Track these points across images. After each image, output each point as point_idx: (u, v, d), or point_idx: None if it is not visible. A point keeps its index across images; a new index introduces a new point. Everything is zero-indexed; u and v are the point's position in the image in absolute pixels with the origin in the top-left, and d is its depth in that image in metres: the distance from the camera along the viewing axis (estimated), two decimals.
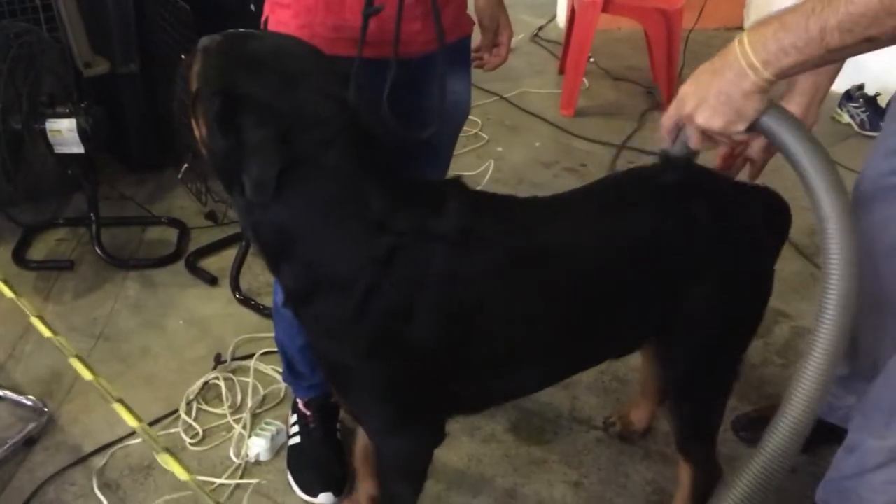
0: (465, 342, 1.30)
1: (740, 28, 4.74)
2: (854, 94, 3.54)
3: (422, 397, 1.37)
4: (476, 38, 1.75)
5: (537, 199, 1.42)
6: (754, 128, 1.12)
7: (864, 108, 3.52)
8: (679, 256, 1.37)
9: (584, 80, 3.82)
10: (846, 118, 3.57)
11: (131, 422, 1.47)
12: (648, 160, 3.28)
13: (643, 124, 3.59)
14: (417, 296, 1.25)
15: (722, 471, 1.62)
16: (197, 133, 1.28)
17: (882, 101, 3.53)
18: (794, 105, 1.44)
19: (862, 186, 1.61)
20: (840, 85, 3.58)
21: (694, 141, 1.19)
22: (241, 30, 1.30)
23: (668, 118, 1.22)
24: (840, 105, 3.60)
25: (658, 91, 3.78)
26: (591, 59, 4.03)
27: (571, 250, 1.34)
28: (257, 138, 1.18)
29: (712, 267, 1.38)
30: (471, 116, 3.37)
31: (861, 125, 3.51)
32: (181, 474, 1.42)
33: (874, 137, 3.43)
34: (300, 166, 1.20)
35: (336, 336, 1.30)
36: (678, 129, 1.23)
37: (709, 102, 1.11)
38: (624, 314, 1.41)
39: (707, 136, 1.17)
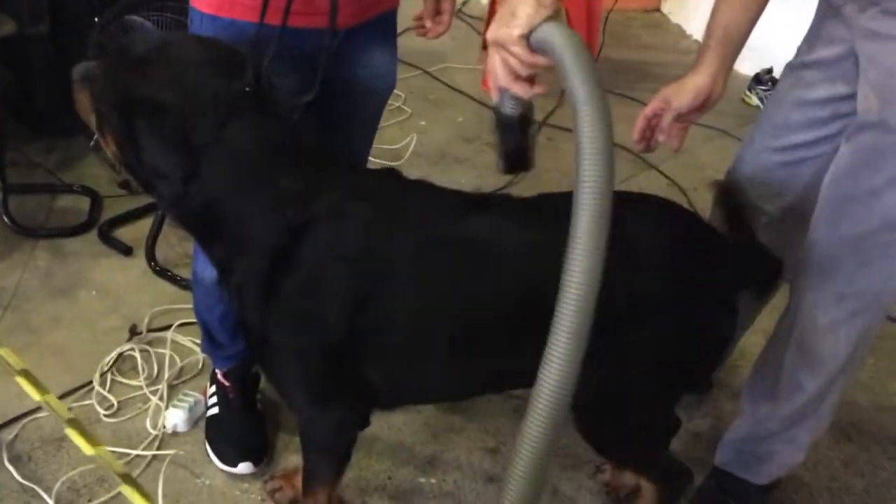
0: (372, 327, 1.31)
1: (658, 10, 4.85)
2: (763, 78, 3.69)
3: (336, 379, 1.38)
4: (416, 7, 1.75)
5: (471, 194, 1.43)
6: (535, 45, 1.10)
7: (770, 91, 3.66)
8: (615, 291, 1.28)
9: None
10: (755, 101, 3.71)
11: (35, 395, 1.44)
12: (568, 137, 3.34)
13: (563, 102, 3.65)
14: (325, 271, 1.27)
15: (691, 474, 1.63)
16: (110, 153, 1.32)
17: None
18: (702, 76, 1.45)
19: (743, 162, 1.64)
20: (749, 68, 3.72)
21: (501, 76, 1.16)
22: (120, 43, 1.31)
23: (491, 66, 1.19)
24: (749, 88, 3.74)
25: None
26: None
27: (492, 251, 1.29)
28: (155, 136, 1.22)
29: (650, 313, 1.31)
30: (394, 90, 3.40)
31: None
32: (86, 449, 1.40)
33: None
34: (204, 152, 1.22)
35: (253, 307, 1.33)
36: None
37: (521, 10, 1.09)
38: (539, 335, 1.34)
39: (511, 69, 1.15)
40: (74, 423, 1.41)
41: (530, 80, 1.17)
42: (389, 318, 1.31)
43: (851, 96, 1.42)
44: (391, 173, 1.39)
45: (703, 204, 2.93)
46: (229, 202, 1.26)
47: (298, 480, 1.70)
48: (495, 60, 1.16)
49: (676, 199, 2.95)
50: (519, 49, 1.11)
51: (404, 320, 1.31)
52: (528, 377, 1.33)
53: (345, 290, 1.28)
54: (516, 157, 1.33)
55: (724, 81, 1.46)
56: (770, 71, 3.67)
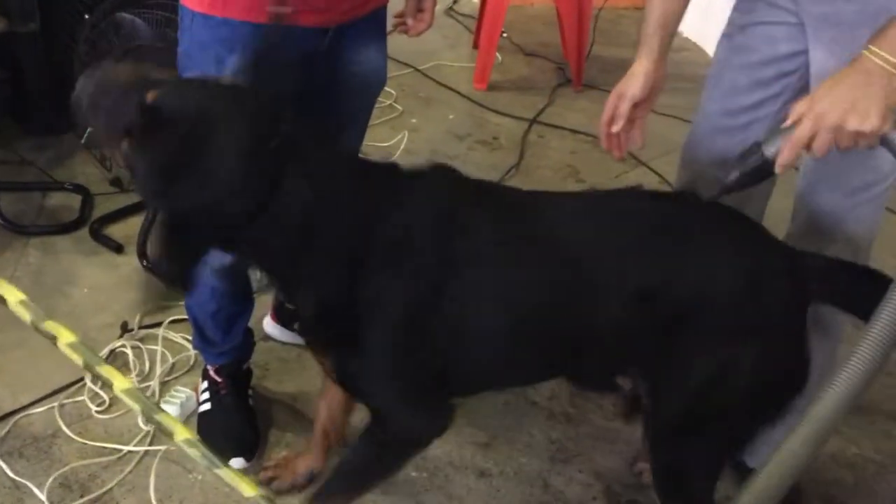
0: (454, 317, 1.30)
1: None
2: None
3: (428, 374, 1.35)
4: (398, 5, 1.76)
5: (541, 192, 1.45)
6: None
7: None
8: (680, 295, 1.30)
9: (498, 54, 3.86)
10: None
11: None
12: (559, 134, 3.37)
13: (554, 99, 3.66)
14: (408, 270, 1.27)
15: None
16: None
17: None
18: (647, 61, 1.53)
19: (695, 133, 1.69)
20: None
21: (821, 149, 1.22)
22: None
23: (801, 140, 1.22)
24: None
25: (568, 67, 3.85)
26: (505, 35, 4.07)
27: (567, 244, 1.33)
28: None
29: (718, 321, 1.30)
30: (386, 88, 3.38)
31: None
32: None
33: None
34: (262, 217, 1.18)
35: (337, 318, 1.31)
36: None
37: (859, 107, 1.18)
38: (602, 329, 1.34)
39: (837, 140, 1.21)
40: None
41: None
42: (471, 308, 1.30)
43: (795, 54, 1.48)
44: (439, 168, 1.40)
45: None
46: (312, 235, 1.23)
47: (297, 465, 1.71)
48: (823, 138, 1.21)
49: None
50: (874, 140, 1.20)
51: (482, 311, 1.31)
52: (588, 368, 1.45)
53: (429, 287, 1.28)
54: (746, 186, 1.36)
55: (665, 65, 1.55)
56: None
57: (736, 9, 1.60)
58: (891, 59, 1.17)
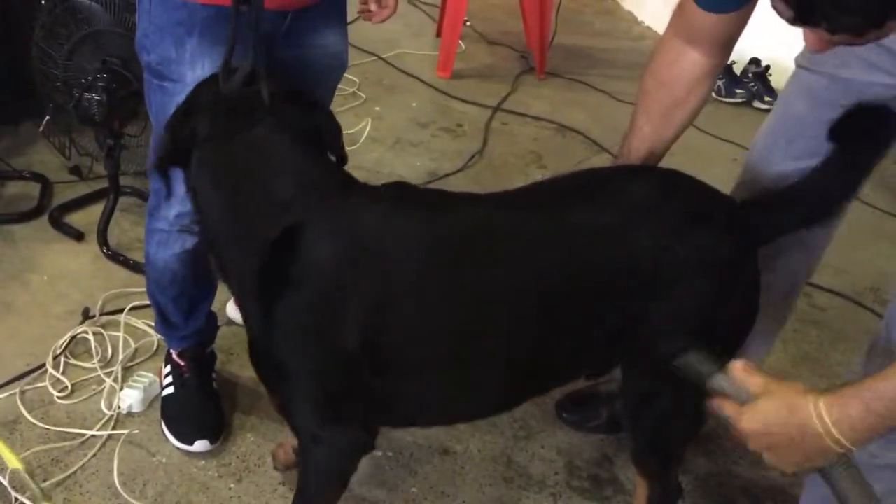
0: (387, 335, 1.25)
1: None
2: None
3: (349, 396, 1.31)
4: None
5: (473, 195, 1.38)
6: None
7: (720, 76, 3.74)
8: (641, 265, 1.27)
9: (461, 43, 3.88)
10: None
11: None
12: (522, 121, 3.40)
13: (517, 87, 3.69)
14: (339, 279, 1.23)
15: (681, 490, 1.60)
16: None
17: (737, 69, 3.77)
18: (637, 150, 1.47)
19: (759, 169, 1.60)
20: None
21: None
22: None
23: (734, 424, 1.14)
24: None
25: (531, 56, 3.88)
26: (468, 23, 4.09)
27: (505, 246, 1.27)
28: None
29: (679, 280, 1.28)
30: (349, 76, 3.41)
31: (718, 91, 3.74)
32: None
33: (729, 103, 3.71)
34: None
35: (259, 319, 1.30)
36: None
37: (782, 456, 1.10)
38: (571, 330, 1.30)
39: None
40: None
41: None
42: (406, 325, 1.25)
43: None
44: (399, 186, 1.35)
45: None
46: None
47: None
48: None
49: None
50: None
51: (420, 327, 1.26)
52: (545, 386, 1.45)
53: (359, 299, 1.22)
54: None
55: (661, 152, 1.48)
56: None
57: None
58: (836, 434, 1.04)
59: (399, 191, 1.31)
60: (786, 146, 1.55)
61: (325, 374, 1.29)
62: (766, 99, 3.67)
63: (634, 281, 1.28)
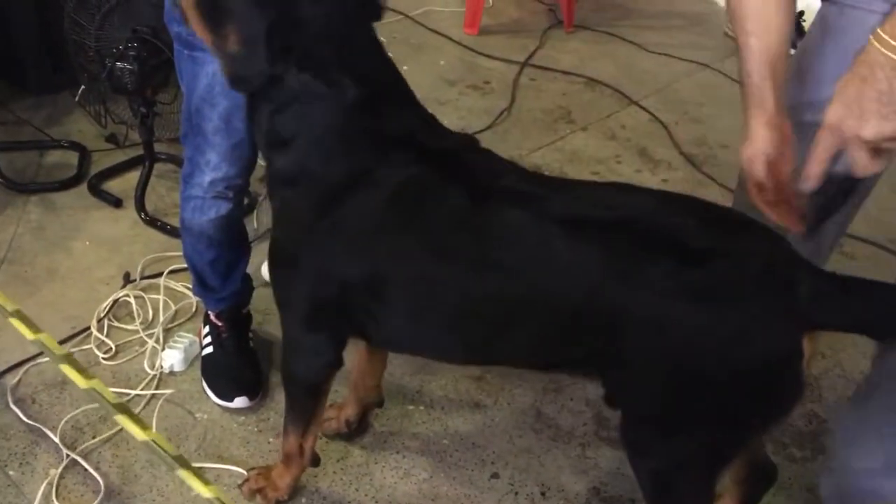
0: (384, 279, 1.31)
1: None
2: None
3: (332, 310, 1.39)
4: None
5: (528, 177, 1.34)
6: None
7: None
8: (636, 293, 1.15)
9: None
10: None
11: (28, 334, 1.46)
12: (550, 77, 3.38)
13: (545, 42, 3.66)
14: (361, 218, 1.29)
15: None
16: (211, 42, 1.29)
17: None
18: (760, 115, 1.27)
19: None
20: None
21: (863, 163, 1.03)
22: None
23: (819, 153, 1.06)
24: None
25: (559, 9, 3.84)
26: None
27: (513, 243, 1.23)
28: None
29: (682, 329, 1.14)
30: None
31: None
32: (81, 382, 1.45)
33: None
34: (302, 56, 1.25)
35: (289, 219, 1.38)
36: (832, 161, 1.07)
37: (871, 111, 1.00)
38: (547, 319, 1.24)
39: (877, 151, 1.03)
40: (69, 358, 1.46)
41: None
42: (403, 271, 1.30)
43: None
44: (469, 141, 1.39)
45: (684, 136, 2.99)
46: (310, 124, 1.30)
47: (345, 412, 1.78)
48: (856, 155, 1.04)
49: (658, 134, 3.02)
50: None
51: (414, 278, 1.30)
52: (517, 361, 1.43)
53: (372, 238, 1.30)
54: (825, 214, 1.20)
55: (786, 118, 1.27)
56: None
57: None
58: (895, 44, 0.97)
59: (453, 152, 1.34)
60: (798, 76, 1.42)
61: (321, 287, 1.37)
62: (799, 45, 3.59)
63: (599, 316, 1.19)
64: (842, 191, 1.11)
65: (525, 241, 1.22)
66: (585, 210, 1.22)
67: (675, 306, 1.13)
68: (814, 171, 1.08)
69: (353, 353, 1.68)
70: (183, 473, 1.37)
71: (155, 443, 1.35)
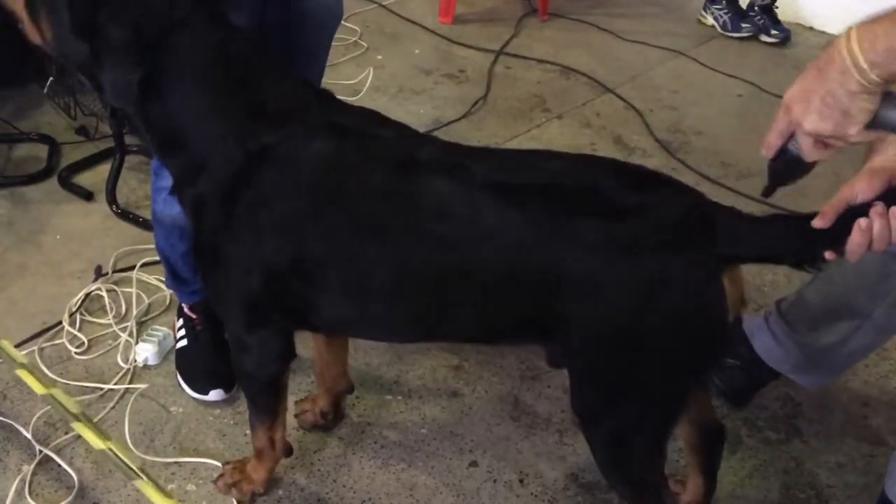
0: (314, 259, 1.29)
1: None
2: None
3: (272, 302, 1.36)
4: None
5: (444, 146, 1.32)
6: (875, 126, 0.99)
7: (725, 10, 3.69)
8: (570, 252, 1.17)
9: None
10: (710, 20, 3.73)
11: None
12: (525, 65, 3.38)
13: (519, 30, 3.66)
14: (279, 197, 1.27)
15: None
16: (39, 38, 1.28)
17: (742, 3, 3.71)
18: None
19: None
20: None
21: (806, 149, 1.04)
22: None
23: (776, 127, 1.07)
24: (705, 8, 3.76)
25: None
26: None
27: (438, 210, 1.22)
28: (116, 39, 1.21)
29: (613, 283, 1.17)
30: (350, 24, 3.40)
31: (723, 26, 3.69)
32: (39, 389, 1.43)
33: (735, 38, 3.65)
34: (163, 64, 1.23)
35: (204, 220, 1.35)
36: (787, 137, 1.08)
37: (814, 105, 0.99)
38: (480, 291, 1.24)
39: (821, 142, 1.03)
40: (25, 366, 1.44)
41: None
42: (332, 251, 1.28)
43: None
44: (370, 113, 1.36)
45: (659, 124, 2.99)
46: (187, 116, 1.27)
47: (319, 403, 1.76)
48: (801, 139, 1.04)
49: (633, 122, 3.02)
50: (855, 139, 1.00)
51: (345, 257, 1.28)
52: (461, 334, 1.42)
53: (294, 220, 1.27)
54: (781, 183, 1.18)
55: None
56: None
57: None
58: (856, 51, 0.94)
59: (362, 123, 1.32)
60: None
61: (253, 278, 1.33)
62: (773, 32, 3.61)
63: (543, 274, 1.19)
64: (796, 168, 1.11)
65: (453, 210, 1.21)
66: (509, 176, 1.24)
67: (604, 261, 1.16)
68: (771, 142, 1.10)
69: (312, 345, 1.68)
70: (139, 484, 1.35)
71: (113, 451, 1.34)
